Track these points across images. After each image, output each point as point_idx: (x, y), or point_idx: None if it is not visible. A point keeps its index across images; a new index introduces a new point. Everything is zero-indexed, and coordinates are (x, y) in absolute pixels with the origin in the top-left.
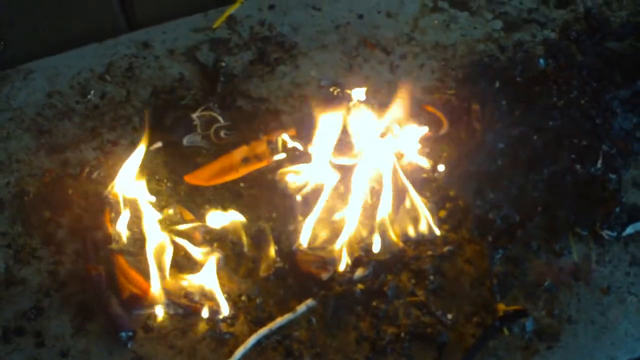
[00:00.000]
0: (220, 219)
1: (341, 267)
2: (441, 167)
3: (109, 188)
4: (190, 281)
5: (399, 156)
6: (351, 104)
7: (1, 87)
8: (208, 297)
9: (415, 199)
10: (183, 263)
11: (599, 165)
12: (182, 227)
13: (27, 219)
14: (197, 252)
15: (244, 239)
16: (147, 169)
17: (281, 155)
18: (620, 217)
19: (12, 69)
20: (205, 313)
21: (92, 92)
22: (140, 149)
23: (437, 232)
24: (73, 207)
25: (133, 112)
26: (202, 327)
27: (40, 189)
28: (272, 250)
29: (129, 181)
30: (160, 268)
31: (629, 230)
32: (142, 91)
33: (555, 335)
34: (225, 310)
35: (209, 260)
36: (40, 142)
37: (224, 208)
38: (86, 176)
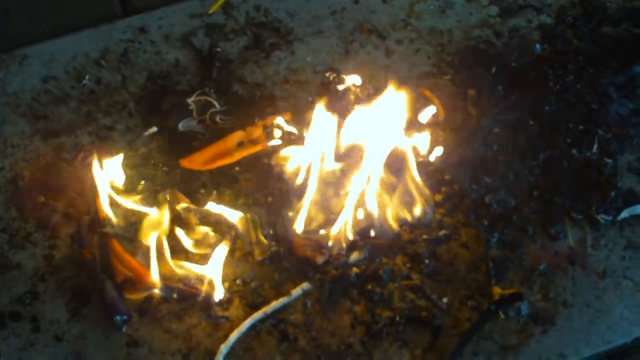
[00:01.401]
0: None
1: (336, 251)
2: (439, 150)
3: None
4: (189, 267)
5: (394, 141)
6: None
7: None
8: (203, 281)
9: (414, 182)
10: (177, 247)
11: (594, 149)
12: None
13: (21, 203)
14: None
15: (242, 228)
16: (143, 154)
17: (277, 140)
18: (616, 202)
19: (8, 54)
20: (200, 297)
21: (87, 77)
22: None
23: (431, 214)
24: (68, 191)
25: (129, 98)
26: (197, 311)
27: (35, 173)
28: (261, 236)
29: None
30: (159, 252)
31: (624, 214)
32: (137, 76)
33: (550, 319)
34: (220, 294)
35: (217, 248)
36: (35, 127)
37: (220, 192)
38: (81, 161)
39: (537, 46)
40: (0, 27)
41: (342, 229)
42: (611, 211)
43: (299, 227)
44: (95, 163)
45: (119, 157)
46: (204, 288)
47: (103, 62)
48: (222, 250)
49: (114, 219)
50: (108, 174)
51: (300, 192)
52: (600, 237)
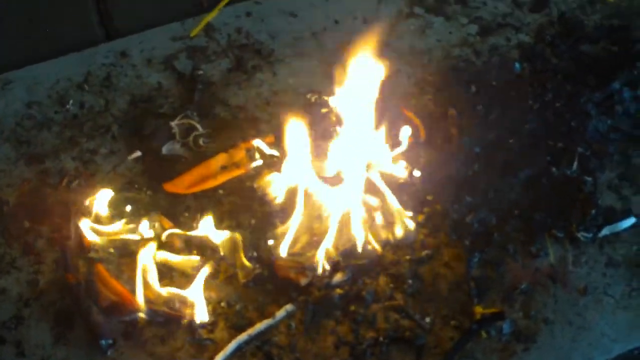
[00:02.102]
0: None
1: (319, 273)
2: (417, 173)
3: (89, 197)
4: (172, 290)
5: (375, 162)
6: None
7: None
8: (188, 304)
9: (393, 204)
10: (161, 271)
11: (574, 167)
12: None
13: (6, 228)
14: (180, 261)
15: (226, 250)
16: (127, 178)
17: (259, 163)
18: (596, 219)
19: None
20: (185, 320)
21: (70, 101)
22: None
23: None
24: (52, 216)
25: (112, 121)
26: (181, 334)
27: (20, 198)
28: (243, 258)
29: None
30: (145, 276)
31: (605, 231)
32: (120, 100)
33: (532, 337)
34: (204, 317)
35: (201, 271)
36: (19, 152)
37: (204, 215)
38: (65, 185)
39: (517, 65)
40: None
41: (326, 250)
42: (592, 229)
43: (282, 249)
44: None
45: (107, 193)
46: (188, 311)
47: (86, 86)
48: (204, 273)
49: (98, 243)
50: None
51: (283, 214)
52: (581, 255)
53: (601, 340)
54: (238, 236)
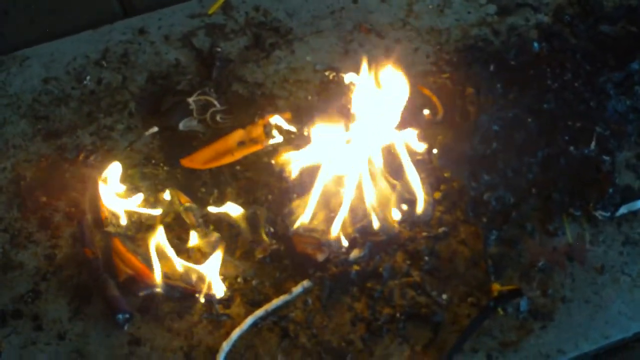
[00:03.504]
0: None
1: (337, 249)
2: (434, 150)
3: (106, 172)
4: (189, 265)
5: (394, 138)
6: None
7: None
8: (204, 279)
9: (412, 180)
10: (179, 246)
11: (592, 147)
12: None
13: (23, 203)
14: (196, 236)
15: (243, 226)
16: (144, 154)
17: (276, 139)
18: (614, 198)
19: (8, 55)
20: (201, 295)
21: (88, 77)
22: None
23: (430, 211)
24: (69, 191)
25: (129, 98)
26: (198, 309)
27: (37, 173)
28: (263, 234)
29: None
30: (159, 251)
31: (622, 210)
32: (138, 77)
33: (549, 315)
34: (221, 292)
35: (217, 247)
36: (36, 128)
37: (221, 191)
38: (82, 160)
39: (535, 44)
40: (0, 29)
41: (343, 226)
42: (609, 207)
43: (300, 225)
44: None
45: (117, 167)
46: (204, 286)
47: (104, 62)
48: (219, 248)
49: (115, 218)
50: (110, 178)
51: (301, 190)
52: (598, 233)
53: (618, 319)
54: (259, 211)
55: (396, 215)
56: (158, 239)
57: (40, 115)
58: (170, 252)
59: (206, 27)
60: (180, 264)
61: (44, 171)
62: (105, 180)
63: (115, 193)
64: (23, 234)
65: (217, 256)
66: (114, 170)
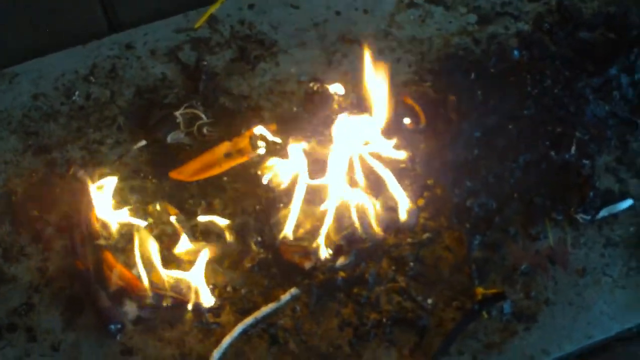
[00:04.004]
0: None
1: (323, 256)
2: (417, 158)
3: (96, 186)
4: (176, 274)
5: (375, 148)
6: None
7: None
8: (194, 289)
9: (394, 188)
10: (169, 257)
11: (573, 151)
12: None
13: (15, 217)
14: (184, 246)
15: (231, 236)
16: (132, 167)
17: (262, 150)
18: (594, 201)
19: None
20: (191, 305)
21: (76, 93)
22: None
23: (415, 218)
24: (60, 205)
25: (118, 112)
26: (189, 318)
27: (28, 188)
28: (251, 243)
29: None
30: (148, 262)
31: (603, 213)
32: (126, 91)
33: (533, 317)
34: (209, 301)
35: (200, 255)
36: (27, 143)
37: (208, 202)
38: (72, 175)
39: (515, 52)
40: None
41: (327, 235)
42: (590, 211)
43: (288, 233)
44: (87, 180)
45: (112, 181)
46: (194, 296)
47: (92, 78)
48: (204, 256)
49: (106, 231)
50: (100, 192)
51: (288, 200)
52: (579, 236)
53: (600, 319)
54: (247, 221)
55: (380, 223)
56: (145, 249)
57: (30, 131)
58: (156, 261)
59: (192, 41)
60: (166, 274)
61: (34, 186)
62: (98, 189)
63: (107, 205)
64: (15, 247)
65: (202, 262)
66: (108, 183)
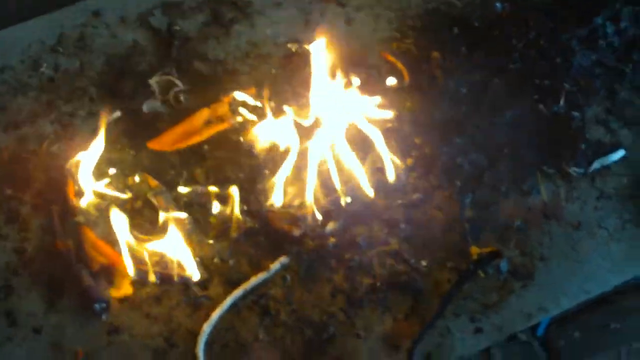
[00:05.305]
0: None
1: (311, 222)
2: (403, 116)
3: (70, 161)
4: (157, 248)
5: (361, 108)
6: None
7: None
8: (180, 262)
9: (382, 148)
10: (150, 230)
11: (561, 104)
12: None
13: None
14: (162, 217)
15: (213, 206)
16: (109, 139)
17: (243, 115)
18: (586, 153)
19: None
20: (178, 279)
21: (44, 65)
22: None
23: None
24: (35, 182)
25: (88, 83)
26: (176, 293)
27: None
28: (236, 212)
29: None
30: (129, 237)
31: (596, 165)
32: (96, 60)
33: (529, 274)
34: (196, 274)
35: (171, 226)
36: None
37: (190, 172)
38: (45, 150)
39: (498, 5)
40: None
41: (317, 199)
42: (582, 163)
43: (275, 201)
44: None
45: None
46: (181, 269)
47: (60, 48)
48: (182, 229)
49: (84, 207)
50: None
51: (272, 166)
52: (573, 190)
53: (597, 273)
54: (231, 189)
55: (369, 184)
56: (125, 224)
57: None
58: (137, 236)
59: (162, 6)
60: (147, 248)
61: (6, 164)
62: (70, 173)
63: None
64: None
65: (176, 233)
66: (84, 156)
